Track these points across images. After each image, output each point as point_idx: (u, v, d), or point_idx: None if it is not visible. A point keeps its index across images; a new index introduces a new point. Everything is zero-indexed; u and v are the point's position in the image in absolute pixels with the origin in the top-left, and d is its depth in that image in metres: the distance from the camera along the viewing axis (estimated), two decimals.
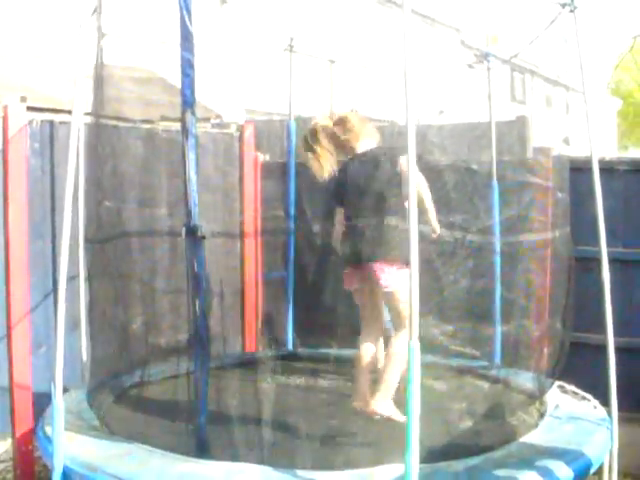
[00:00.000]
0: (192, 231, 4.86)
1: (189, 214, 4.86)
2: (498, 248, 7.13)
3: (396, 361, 5.62)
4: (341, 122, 6.08)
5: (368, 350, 5.98)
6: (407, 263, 4.07)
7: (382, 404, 5.69)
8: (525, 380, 6.37)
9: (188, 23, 4.86)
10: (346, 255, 6.01)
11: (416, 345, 4.02)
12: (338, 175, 6.05)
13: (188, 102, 4.90)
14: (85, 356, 6.59)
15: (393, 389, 5.70)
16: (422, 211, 5.57)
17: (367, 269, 5.82)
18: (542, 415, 5.78)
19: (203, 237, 4.91)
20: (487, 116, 7.64)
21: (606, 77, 46.91)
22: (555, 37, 5.92)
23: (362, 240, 5.81)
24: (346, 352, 7.44)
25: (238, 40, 15.73)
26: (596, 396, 6.06)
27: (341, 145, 6.06)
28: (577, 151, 6.75)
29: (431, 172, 6.11)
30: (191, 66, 4.87)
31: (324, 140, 6.00)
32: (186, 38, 4.88)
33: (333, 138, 6.02)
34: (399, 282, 5.56)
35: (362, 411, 5.78)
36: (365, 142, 6.07)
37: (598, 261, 5.46)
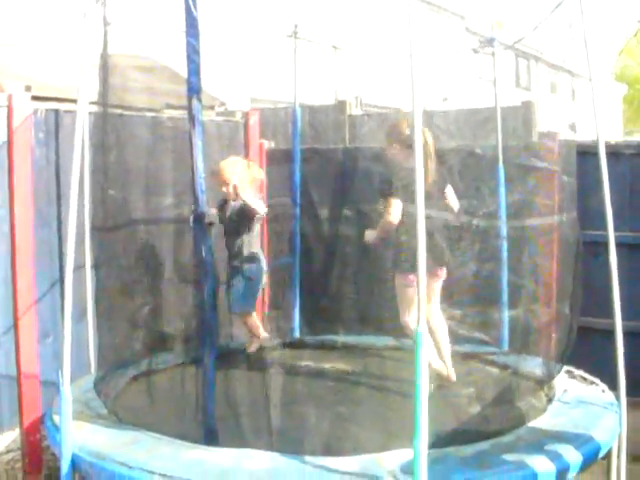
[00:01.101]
0: (199, 218, 4.86)
1: (196, 201, 4.86)
2: (505, 232, 7.12)
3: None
4: None
5: None
6: None
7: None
8: (533, 365, 6.35)
9: (193, 10, 4.85)
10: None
11: (424, 329, 4.01)
12: None
13: (194, 89, 4.89)
14: (92, 345, 6.60)
15: None
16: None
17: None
18: (550, 400, 5.78)
19: (210, 224, 4.92)
20: (492, 102, 7.63)
21: (611, 62, 46.77)
22: (560, 23, 5.90)
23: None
24: (352, 338, 7.47)
25: (242, 27, 15.69)
26: (604, 380, 6.05)
27: None
28: (583, 137, 6.72)
29: (437, 157, 6.10)
30: (197, 53, 4.86)
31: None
32: (191, 25, 4.87)
33: None
34: None
35: None
36: None
37: (605, 245, 5.44)
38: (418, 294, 4.07)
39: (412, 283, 5.91)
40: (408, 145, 5.73)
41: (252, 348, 6.93)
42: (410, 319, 6.04)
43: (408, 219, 5.96)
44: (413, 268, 5.84)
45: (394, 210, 6.03)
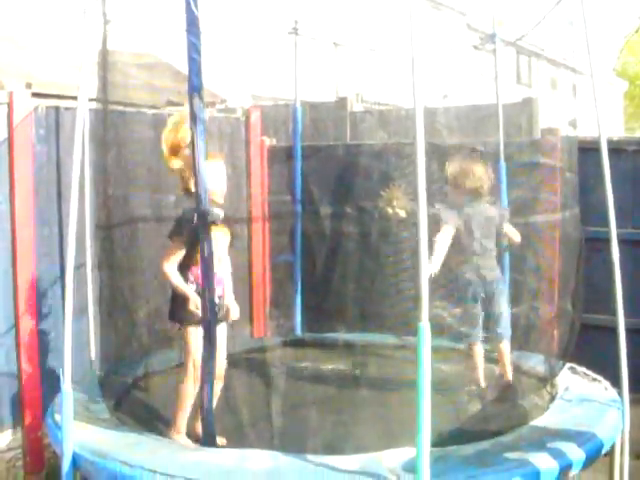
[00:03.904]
0: (202, 216, 4.84)
1: (199, 199, 4.84)
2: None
3: None
4: None
5: None
6: None
7: None
8: (536, 362, 6.35)
9: (194, 7, 4.83)
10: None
11: (426, 326, 4.00)
12: None
13: (195, 87, 4.86)
14: (93, 344, 6.59)
15: None
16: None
17: None
18: (553, 397, 5.76)
19: (213, 222, 4.89)
20: (493, 99, 7.62)
21: (612, 59, 46.70)
22: (561, 19, 5.88)
23: None
24: (354, 336, 7.45)
25: (243, 24, 15.67)
26: (606, 378, 6.03)
27: None
28: (584, 134, 6.69)
29: (439, 154, 6.10)
30: (197, 51, 4.83)
31: None
32: (192, 23, 4.84)
33: None
34: None
35: None
36: None
37: (607, 242, 5.42)
38: (421, 287, 4.03)
39: None
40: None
41: None
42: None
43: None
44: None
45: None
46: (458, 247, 6.16)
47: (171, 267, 5.23)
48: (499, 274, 6.43)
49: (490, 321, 6.25)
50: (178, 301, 5.28)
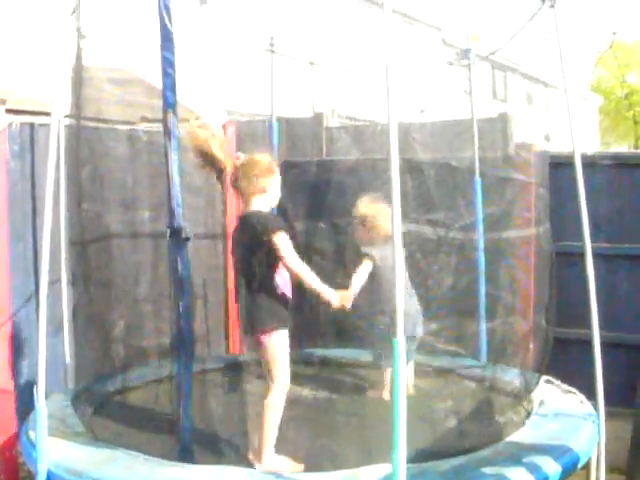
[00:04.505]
0: (176, 232, 4.83)
1: (173, 215, 4.82)
2: (482, 245, 7.13)
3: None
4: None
5: None
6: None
7: None
8: (511, 377, 6.35)
9: (168, 23, 4.83)
10: None
11: (401, 341, 3.99)
12: None
13: (170, 102, 4.86)
14: (68, 360, 6.54)
15: None
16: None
17: None
18: (529, 412, 5.77)
19: (187, 238, 4.88)
20: (468, 114, 7.64)
21: (587, 74, 47.05)
22: (535, 34, 5.92)
23: None
24: (331, 352, 7.44)
25: (218, 41, 15.68)
26: (581, 391, 6.05)
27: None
28: (558, 148, 6.74)
29: (414, 170, 6.11)
30: (172, 66, 4.83)
31: None
32: (166, 38, 4.84)
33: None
34: None
35: None
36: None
37: (581, 256, 5.45)
38: (397, 303, 4.02)
39: None
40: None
41: None
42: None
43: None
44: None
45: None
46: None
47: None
48: None
49: None
50: (264, 306, 5.13)
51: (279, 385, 5.09)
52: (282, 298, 5.16)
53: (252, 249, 5.08)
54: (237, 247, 5.28)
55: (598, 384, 5.43)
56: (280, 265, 5.09)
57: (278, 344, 5.14)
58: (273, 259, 5.07)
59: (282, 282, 5.14)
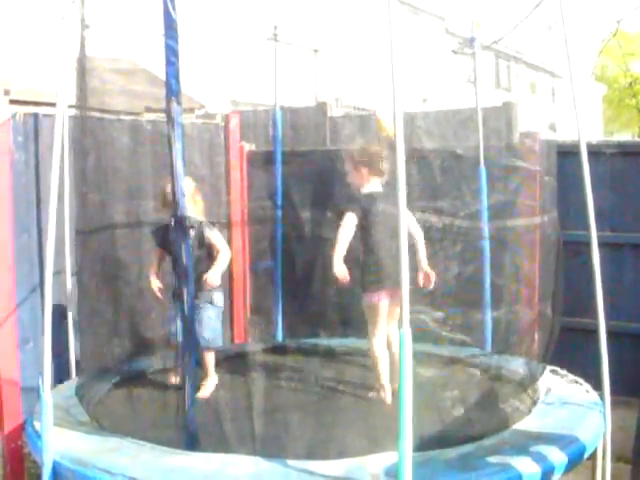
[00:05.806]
0: (180, 221, 4.82)
1: (177, 204, 4.82)
2: (487, 233, 7.11)
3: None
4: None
5: None
6: None
7: None
8: (517, 366, 6.33)
9: (172, 11, 4.81)
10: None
11: (407, 332, 3.99)
12: None
13: (173, 91, 4.84)
14: (73, 350, 6.54)
15: None
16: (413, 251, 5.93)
17: None
18: (535, 401, 5.76)
19: (191, 227, 4.87)
20: (472, 103, 7.62)
21: (590, 63, 46.88)
22: (539, 23, 5.91)
23: None
24: (336, 342, 7.44)
25: (222, 30, 15.66)
26: (587, 380, 6.04)
27: None
28: (563, 137, 6.73)
29: (419, 158, 6.08)
30: (175, 55, 4.81)
31: None
32: (170, 26, 4.82)
33: None
34: None
35: None
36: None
37: (586, 245, 5.43)
38: (402, 294, 4.02)
39: (378, 302, 5.92)
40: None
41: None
42: (375, 340, 6.02)
43: (373, 236, 5.98)
44: (378, 286, 5.88)
45: (347, 221, 6.18)
46: None
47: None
48: None
49: None
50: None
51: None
52: None
53: None
54: None
55: (604, 373, 5.42)
56: None
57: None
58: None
59: None
